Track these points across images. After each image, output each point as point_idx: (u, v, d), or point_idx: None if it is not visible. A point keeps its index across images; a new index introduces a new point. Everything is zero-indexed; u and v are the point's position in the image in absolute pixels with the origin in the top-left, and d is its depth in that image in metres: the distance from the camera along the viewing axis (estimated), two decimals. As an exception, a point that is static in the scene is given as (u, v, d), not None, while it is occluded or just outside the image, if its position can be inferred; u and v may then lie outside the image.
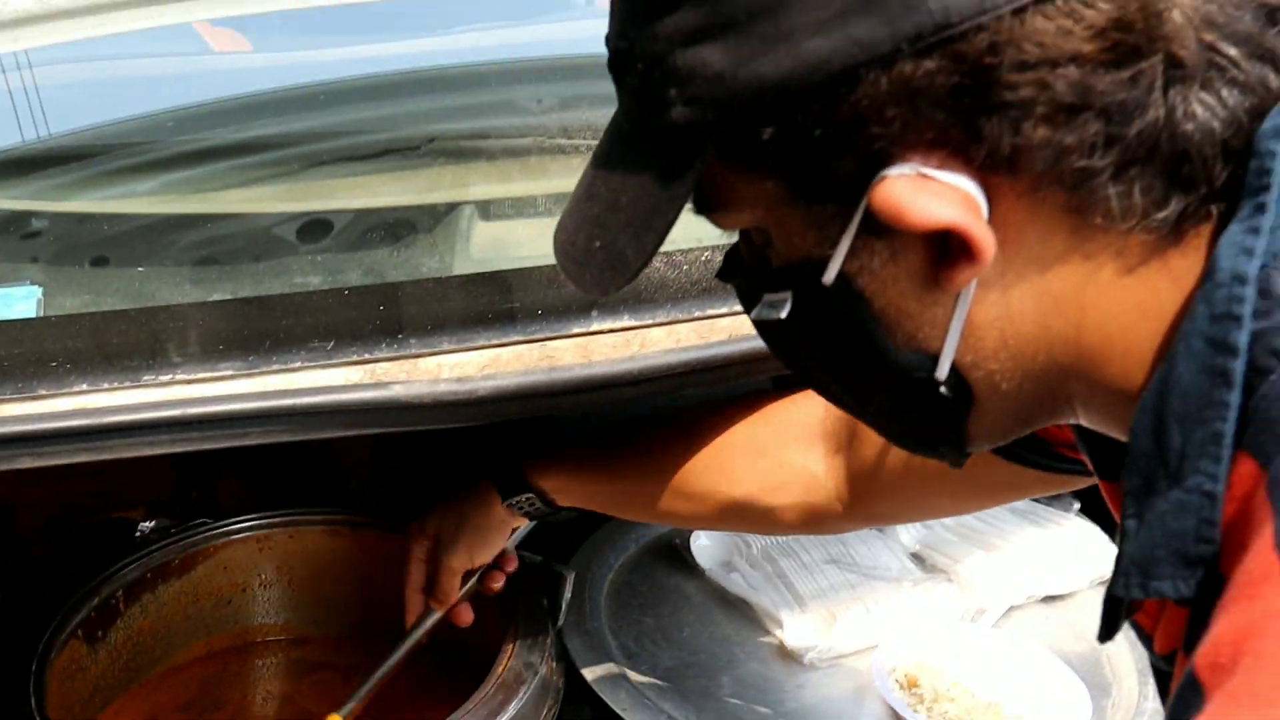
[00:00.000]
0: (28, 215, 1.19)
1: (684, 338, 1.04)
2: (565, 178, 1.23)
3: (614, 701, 1.22)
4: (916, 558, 1.48)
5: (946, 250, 0.57)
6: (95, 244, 1.17)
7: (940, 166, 0.55)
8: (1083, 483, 0.93)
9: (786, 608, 1.36)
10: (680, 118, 0.58)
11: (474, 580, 1.19)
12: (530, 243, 1.15)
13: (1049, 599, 1.42)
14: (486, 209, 1.17)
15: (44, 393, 0.87)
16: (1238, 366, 0.53)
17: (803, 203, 0.60)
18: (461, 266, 1.11)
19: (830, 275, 0.60)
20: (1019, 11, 0.52)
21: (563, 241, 0.65)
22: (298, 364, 0.92)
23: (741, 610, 1.39)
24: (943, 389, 0.62)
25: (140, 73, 1.80)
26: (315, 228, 1.29)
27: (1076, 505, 1.53)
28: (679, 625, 1.37)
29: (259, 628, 1.36)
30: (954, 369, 0.61)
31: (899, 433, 0.71)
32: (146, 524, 1.28)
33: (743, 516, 1.10)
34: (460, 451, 1.27)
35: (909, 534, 1.51)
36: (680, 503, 1.09)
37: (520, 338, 0.99)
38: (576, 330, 1.00)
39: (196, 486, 1.57)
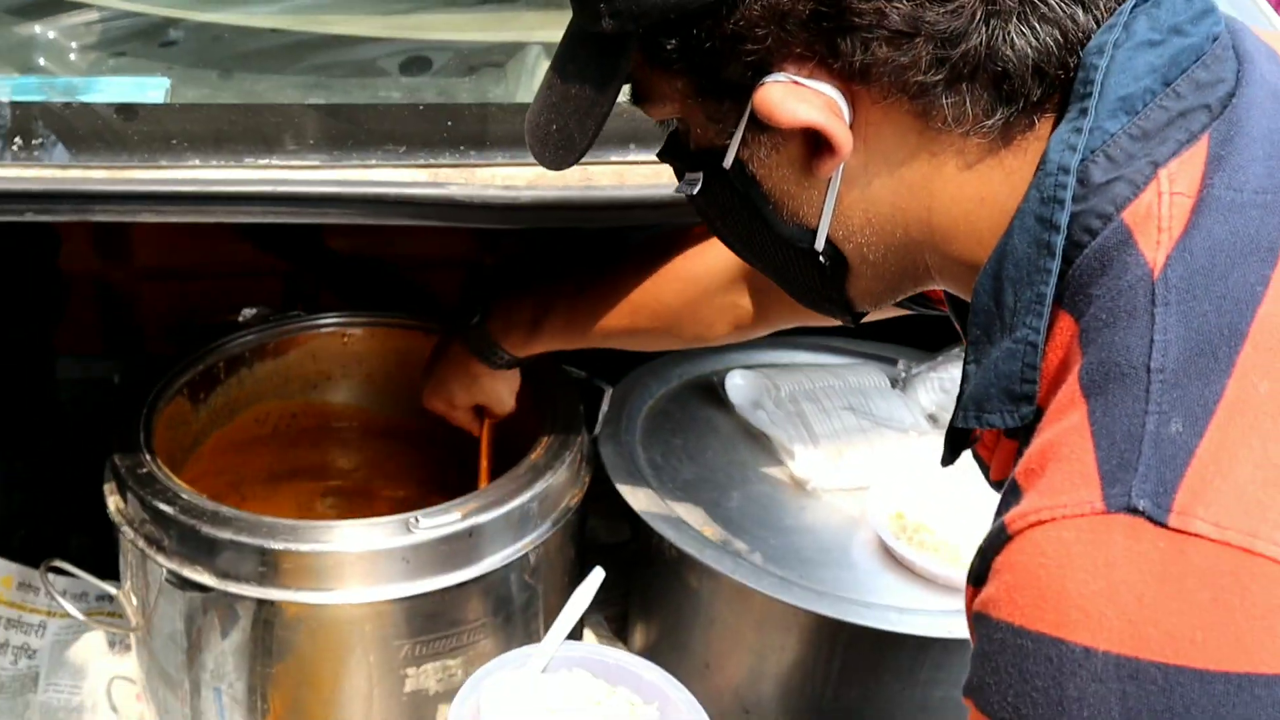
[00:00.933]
0: (165, 25, 1.37)
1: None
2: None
3: (633, 501, 1.38)
4: (931, 418, 1.61)
5: (816, 144, 0.71)
6: (220, 57, 1.35)
7: (810, 76, 0.69)
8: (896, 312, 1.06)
9: (800, 442, 1.50)
10: (608, 28, 0.71)
11: None
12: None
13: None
14: (553, 50, 1.32)
15: (164, 164, 1.06)
16: (1058, 240, 0.67)
17: (705, 100, 0.74)
18: (523, 97, 1.27)
19: (729, 160, 0.75)
20: None
21: (531, 123, 0.81)
22: (373, 161, 1.09)
23: (762, 445, 1.53)
24: (821, 258, 0.77)
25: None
26: (416, 63, 1.45)
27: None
28: (703, 449, 1.52)
29: (339, 408, 1.56)
30: (829, 241, 0.76)
31: (797, 292, 0.86)
32: (249, 310, 1.47)
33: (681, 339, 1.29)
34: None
35: (928, 396, 1.64)
36: (626, 340, 1.29)
37: (566, 160, 1.14)
38: (614, 159, 1.14)
39: (302, 299, 1.77)
